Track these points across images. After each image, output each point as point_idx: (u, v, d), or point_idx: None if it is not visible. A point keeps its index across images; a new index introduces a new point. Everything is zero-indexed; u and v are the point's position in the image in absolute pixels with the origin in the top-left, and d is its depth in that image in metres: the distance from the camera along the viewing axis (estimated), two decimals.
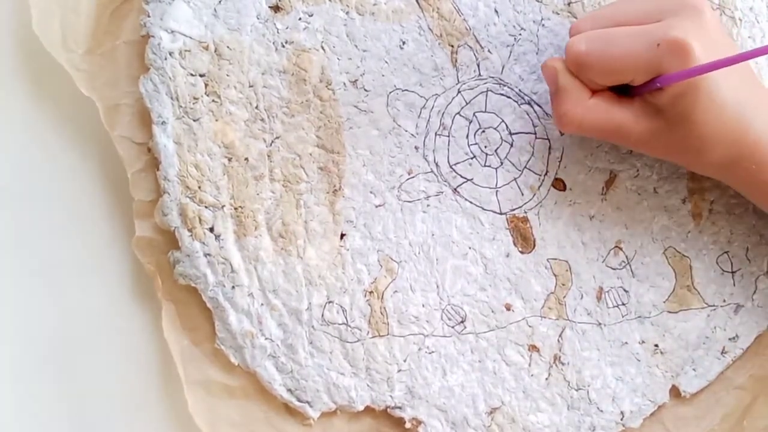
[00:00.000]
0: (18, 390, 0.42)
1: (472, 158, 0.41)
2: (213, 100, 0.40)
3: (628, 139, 0.37)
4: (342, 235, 0.41)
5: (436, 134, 0.41)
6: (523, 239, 0.41)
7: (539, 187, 0.41)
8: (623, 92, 0.37)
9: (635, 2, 0.37)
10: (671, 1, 0.36)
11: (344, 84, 0.40)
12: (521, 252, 0.41)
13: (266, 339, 0.41)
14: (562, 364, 0.41)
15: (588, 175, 0.41)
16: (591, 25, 0.37)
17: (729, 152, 0.36)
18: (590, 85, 0.37)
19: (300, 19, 0.40)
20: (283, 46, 0.40)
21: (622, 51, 0.35)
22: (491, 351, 0.41)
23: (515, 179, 0.41)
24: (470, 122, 0.41)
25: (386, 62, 0.40)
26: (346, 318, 0.41)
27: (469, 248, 0.41)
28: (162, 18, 0.40)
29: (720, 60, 0.32)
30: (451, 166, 0.41)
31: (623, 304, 0.41)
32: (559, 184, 0.41)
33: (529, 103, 0.41)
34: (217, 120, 0.40)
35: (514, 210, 0.41)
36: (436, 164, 0.41)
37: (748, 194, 0.39)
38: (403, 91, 0.41)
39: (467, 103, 0.41)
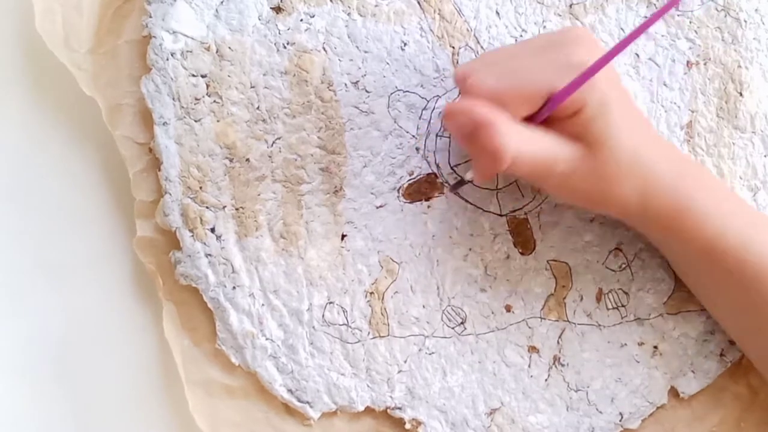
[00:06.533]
0: (19, 390, 0.42)
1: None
2: (214, 101, 0.40)
3: (554, 168, 0.35)
4: (343, 236, 0.41)
5: (437, 135, 0.41)
6: (524, 241, 0.41)
7: (540, 189, 0.41)
8: None
9: (521, 43, 0.38)
10: (556, 35, 0.36)
11: (345, 85, 0.41)
12: (521, 253, 0.41)
13: (267, 339, 0.41)
14: (562, 365, 0.41)
15: None
16: (481, 65, 0.36)
17: (639, 184, 0.35)
18: None
19: (301, 20, 0.40)
20: (285, 47, 0.40)
21: (532, 78, 0.34)
22: (491, 352, 0.41)
23: (516, 181, 0.41)
24: None
25: (387, 63, 0.41)
26: (346, 319, 0.41)
27: (470, 249, 0.41)
28: (164, 18, 0.40)
29: (605, 55, 0.33)
30: (452, 168, 0.41)
31: (623, 306, 0.41)
32: None
33: None
34: (218, 121, 0.40)
35: (514, 212, 0.41)
36: (437, 165, 0.41)
37: (656, 241, 0.39)
38: (404, 92, 0.41)
39: None
